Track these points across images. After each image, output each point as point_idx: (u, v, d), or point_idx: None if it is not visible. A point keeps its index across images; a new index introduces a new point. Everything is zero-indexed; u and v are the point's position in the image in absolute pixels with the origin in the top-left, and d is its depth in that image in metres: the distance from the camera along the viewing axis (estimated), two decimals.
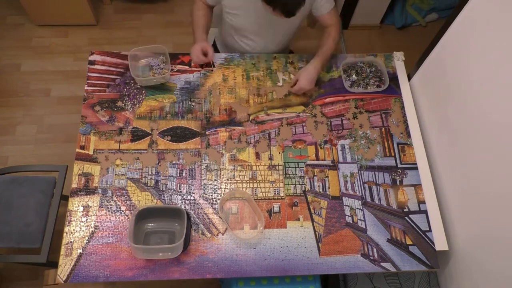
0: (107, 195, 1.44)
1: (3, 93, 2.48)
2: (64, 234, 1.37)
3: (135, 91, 1.64)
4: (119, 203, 1.43)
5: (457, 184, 1.45)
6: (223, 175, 1.51)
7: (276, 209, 1.46)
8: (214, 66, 1.71)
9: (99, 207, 1.42)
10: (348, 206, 1.48)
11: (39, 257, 1.59)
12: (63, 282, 1.30)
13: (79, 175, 1.46)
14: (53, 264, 1.62)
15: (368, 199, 1.49)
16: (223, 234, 1.41)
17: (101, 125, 1.56)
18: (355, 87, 1.70)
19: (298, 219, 1.45)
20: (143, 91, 1.64)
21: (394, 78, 1.74)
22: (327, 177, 1.53)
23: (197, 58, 1.63)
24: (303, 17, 1.65)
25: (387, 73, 1.73)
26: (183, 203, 1.45)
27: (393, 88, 1.72)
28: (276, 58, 1.76)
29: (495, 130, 1.20)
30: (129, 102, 1.61)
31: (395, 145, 1.60)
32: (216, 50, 1.89)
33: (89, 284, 1.41)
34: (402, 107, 1.67)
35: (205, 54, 1.63)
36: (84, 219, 1.39)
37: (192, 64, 1.71)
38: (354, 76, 1.73)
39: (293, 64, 1.75)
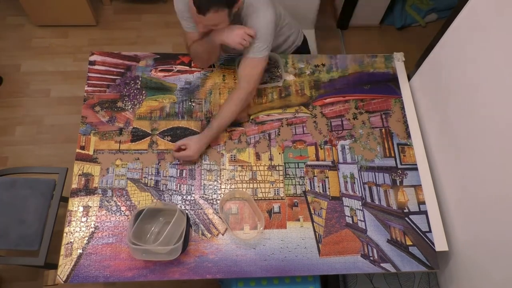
0: (107, 195, 1.44)
1: (3, 93, 2.48)
2: (64, 234, 1.37)
3: (135, 91, 1.64)
4: (119, 204, 1.43)
5: (457, 185, 1.45)
6: (223, 176, 1.51)
7: (276, 209, 1.46)
8: (214, 66, 1.71)
9: (99, 207, 1.42)
10: (348, 206, 1.48)
11: (37, 259, 1.59)
12: (63, 282, 1.30)
13: (79, 175, 1.46)
14: (52, 266, 1.62)
15: (368, 200, 1.49)
16: (223, 234, 1.41)
17: (101, 126, 1.56)
18: None
19: (298, 220, 1.45)
20: (143, 92, 1.64)
21: (394, 79, 1.74)
22: (327, 177, 1.53)
23: (180, 158, 1.48)
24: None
25: (388, 74, 1.73)
26: (183, 203, 1.45)
27: (393, 88, 1.72)
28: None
29: (495, 131, 1.20)
30: (129, 103, 1.61)
31: (395, 145, 1.60)
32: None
33: (89, 284, 1.41)
34: (402, 108, 1.67)
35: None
36: (84, 219, 1.39)
37: (192, 65, 1.71)
38: None
39: (294, 65, 1.75)
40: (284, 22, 1.64)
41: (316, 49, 2.55)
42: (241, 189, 1.49)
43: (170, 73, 1.69)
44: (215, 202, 1.46)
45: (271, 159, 1.55)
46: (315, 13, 2.48)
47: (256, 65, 1.48)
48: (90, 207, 1.42)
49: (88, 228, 1.38)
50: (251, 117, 1.62)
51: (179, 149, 1.48)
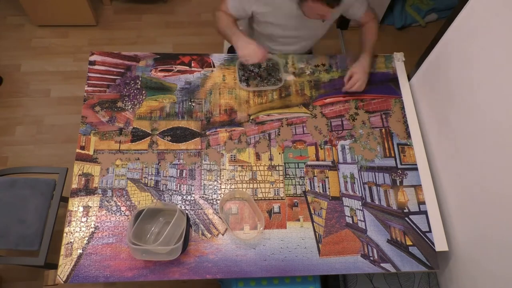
0: (107, 195, 1.44)
1: (3, 93, 2.48)
2: (64, 234, 1.37)
3: (135, 91, 1.64)
4: (119, 204, 1.43)
5: (457, 185, 1.45)
6: (223, 176, 1.51)
7: (276, 209, 1.46)
8: (214, 66, 1.71)
9: (99, 207, 1.42)
10: (348, 206, 1.48)
11: (37, 259, 1.59)
12: (63, 282, 1.30)
13: (79, 175, 1.46)
14: (52, 266, 1.62)
15: (368, 200, 1.49)
16: (223, 234, 1.41)
17: (101, 126, 1.56)
18: (244, 83, 1.68)
19: (298, 220, 1.45)
20: (143, 92, 1.64)
21: (394, 79, 1.74)
22: (327, 177, 1.53)
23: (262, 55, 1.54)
24: (330, 26, 1.70)
25: (388, 74, 1.73)
26: (183, 203, 1.45)
27: (393, 88, 1.72)
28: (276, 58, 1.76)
29: (495, 131, 1.20)
30: (129, 103, 1.61)
31: (395, 145, 1.60)
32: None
33: (89, 284, 1.41)
34: (402, 108, 1.67)
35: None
36: (84, 219, 1.39)
37: (193, 64, 1.71)
38: (248, 72, 1.71)
39: (294, 65, 1.75)
40: None
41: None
42: (241, 189, 1.49)
43: (170, 73, 1.69)
44: (215, 202, 1.46)
45: (271, 159, 1.55)
46: None
47: (370, 8, 1.69)
48: (90, 207, 1.42)
49: (88, 228, 1.38)
50: (251, 117, 1.62)
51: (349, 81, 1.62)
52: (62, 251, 1.34)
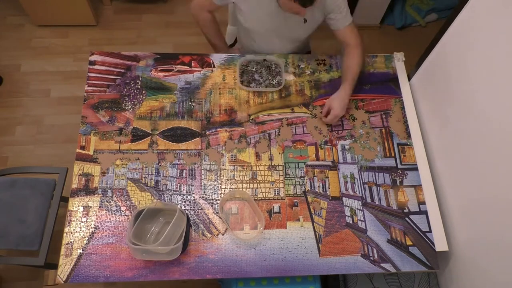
0: (107, 195, 1.44)
1: (3, 93, 2.48)
2: (64, 234, 1.37)
3: (135, 91, 1.64)
4: (119, 204, 1.43)
5: (457, 185, 1.45)
6: (223, 176, 1.51)
7: (276, 209, 1.46)
8: (214, 66, 1.71)
9: (99, 207, 1.42)
10: (348, 206, 1.48)
11: (37, 259, 1.59)
12: (63, 282, 1.30)
13: (79, 175, 1.46)
14: (52, 266, 1.62)
15: (368, 200, 1.49)
16: (223, 234, 1.41)
17: (101, 126, 1.56)
18: (247, 84, 1.68)
19: (298, 220, 1.45)
20: (144, 91, 1.64)
21: (394, 79, 1.74)
22: (327, 177, 1.53)
23: (331, 120, 1.57)
24: (312, 28, 1.65)
25: (388, 74, 1.73)
26: (183, 203, 1.45)
27: (393, 88, 1.72)
28: (276, 58, 1.76)
29: (496, 130, 1.20)
30: (130, 103, 1.61)
31: (395, 145, 1.60)
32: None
33: (89, 284, 1.41)
34: (402, 108, 1.67)
35: None
36: (84, 219, 1.39)
37: (193, 64, 1.71)
38: (248, 74, 1.71)
39: (294, 65, 1.75)
40: None
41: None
42: (241, 189, 1.49)
43: (170, 73, 1.69)
44: (215, 202, 1.46)
45: (271, 159, 1.55)
46: None
47: (353, 27, 1.60)
48: (90, 207, 1.42)
49: (88, 228, 1.38)
50: (251, 117, 1.62)
51: (327, 115, 1.57)
52: (62, 251, 1.34)
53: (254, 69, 1.71)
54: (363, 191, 1.51)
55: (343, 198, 1.49)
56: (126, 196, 1.45)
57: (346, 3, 1.54)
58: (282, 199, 1.48)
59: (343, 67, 1.62)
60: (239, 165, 1.53)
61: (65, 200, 1.74)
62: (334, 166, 1.55)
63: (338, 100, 1.54)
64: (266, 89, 1.67)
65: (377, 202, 1.49)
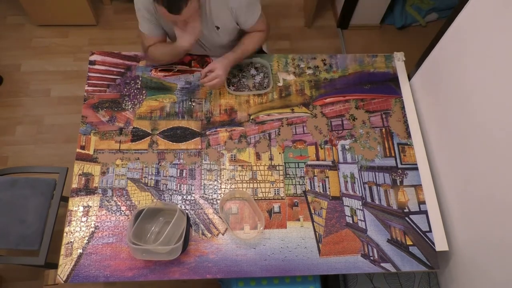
0: (107, 195, 1.44)
1: (3, 93, 2.48)
2: (64, 234, 1.37)
3: (135, 91, 1.64)
4: (119, 203, 1.43)
5: (457, 184, 1.45)
6: (223, 175, 1.51)
7: (276, 209, 1.46)
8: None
9: (99, 207, 1.42)
10: (348, 206, 1.48)
11: (37, 259, 1.59)
12: (63, 282, 1.30)
13: (79, 175, 1.46)
14: (52, 265, 1.62)
15: (368, 200, 1.49)
16: (223, 234, 1.41)
17: (102, 125, 1.56)
18: (233, 87, 1.67)
19: (298, 220, 1.45)
20: (144, 91, 1.64)
21: (394, 78, 1.74)
22: (327, 177, 1.53)
23: (209, 80, 1.52)
24: (229, 34, 1.57)
25: (388, 74, 1.74)
26: (183, 203, 1.45)
27: (394, 88, 1.72)
28: (276, 58, 1.76)
29: (496, 130, 1.20)
30: (130, 102, 1.61)
31: (395, 145, 1.60)
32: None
33: (89, 284, 1.41)
34: (403, 108, 1.67)
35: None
36: (84, 219, 1.39)
37: (193, 64, 1.71)
38: (237, 76, 1.70)
39: (294, 64, 1.75)
40: None
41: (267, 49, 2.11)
42: (241, 189, 1.49)
43: (170, 73, 1.69)
44: (215, 202, 1.46)
45: (271, 159, 1.55)
46: None
47: (262, 19, 1.57)
48: (90, 206, 1.42)
49: (88, 228, 1.38)
50: (251, 117, 1.62)
51: (205, 77, 1.53)
52: (62, 251, 1.34)
53: (241, 72, 1.71)
54: (363, 191, 1.51)
55: (343, 198, 1.49)
56: (126, 196, 1.45)
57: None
58: (282, 199, 1.48)
59: (240, 40, 1.61)
60: (239, 165, 1.53)
61: (65, 200, 1.74)
62: (334, 166, 1.55)
63: (221, 62, 1.52)
64: (254, 92, 1.66)
65: (377, 202, 1.49)
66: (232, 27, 1.54)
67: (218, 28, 1.52)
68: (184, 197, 1.46)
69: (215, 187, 1.49)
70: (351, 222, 1.45)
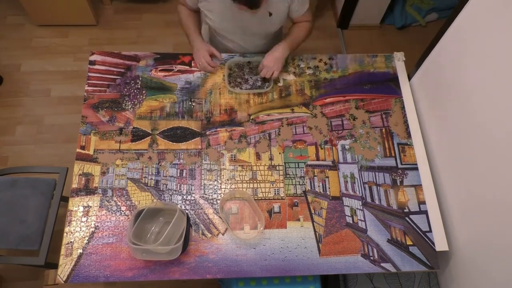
0: (107, 195, 1.44)
1: (3, 93, 2.48)
2: (64, 234, 1.37)
3: (135, 91, 1.64)
4: (119, 203, 1.43)
5: (457, 184, 1.45)
6: (223, 175, 1.51)
7: (276, 209, 1.46)
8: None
9: (99, 207, 1.42)
10: (348, 206, 1.48)
11: (37, 259, 1.59)
12: (63, 282, 1.30)
13: (79, 175, 1.46)
14: (52, 265, 1.62)
15: (368, 200, 1.49)
16: (223, 234, 1.41)
17: (102, 125, 1.56)
18: (233, 85, 1.67)
19: (298, 220, 1.45)
20: (144, 91, 1.64)
21: (394, 78, 1.74)
22: (327, 177, 1.53)
23: (206, 63, 1.63)
24: (280, 20, 1.60)
25: (388, 74, 1.74)
26: (183, 203, 1.45)
27: (394, 88, 1.72)
28: None
29: (496, 130, 1.20)
30: (130, 102, 1.61)
31: (395, 145, 1.60)
32: None
33: (89, 284, 1.41)
34: (403, 108, 1.67)
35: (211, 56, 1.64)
36: (84, 219, 1.39)
37: (193, 64, 1.71)
38: (236, 74, 1.70)
39: (294, 64, 1.75)
40: None
41: None
42: (241, 189, 1.49)
43: (170, 73, 1.69)
44: (215, 202, 1.46)
45: (271, 159, 1.55)
46: None
47: (309, 12, 1.63)
48: (90, 207, 1.42)
49: (88, 228, 1.38)
50: (251, 117, 1.62)
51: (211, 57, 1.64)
52: (62, 251, 1.34)
53: (242, 71, 1.71)
54: (363, 191, 1.51)
55: (343, 198, 1.49)
56: (126, 196, 1.45)
57: None
58: (282, 199, 1.48)
59: (290, 30, 1.68)
60: (239, 165, 1.53)
61: (65, 200, 1.74)
62: (334, 166, 1.55)
63: (269, 53, 1.59)
64: (254, 91, 1.66)
65: (377, 202, 1.49)
66: (285, 14, 1.59)
67: (271, 14, 1.53)
68: (184, 197, 1.46)
69: (215, 187, 1.49)
70: (351, 222, 1.45)
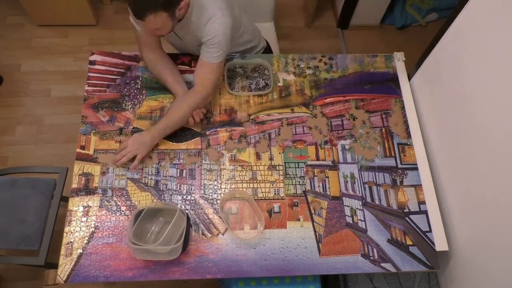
0: (107, 195, 1.44)
1: (3, 93, 2.48)
2: (64, 234, 1.37)
3: (135, 91, 1.64)
4: (119, 203, 1.43)
5: (457, 184, 1.45)
6: (223, 175, 1.51)
7: (276, 209, 1.46)
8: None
9: (99, 207, 1.42)
10: (348, 206, 1.48)
11: (37, 259, 1.59)
12: (63, 282, 1.30)
13: (79, 175, 1.46)
14: (52, 265, 1.62)
15: (368, 200, 1.49)
16: (223, 234, 1.41)
17: (102, 125, 1.56)
18: (235, 88, 1.67)
19: (298, 220, 1.45)
20: (144, 91, 1.64)
21: (394, 78, 1.74)
22: (327, 177, 1.53)
23: (125, 161, 1.44)
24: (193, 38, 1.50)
25: (388, 74, 1.74)
26: (183, 203, 1.45)
27: (394, 88, 1.72)
28: (276, 58, 1.76)
29: (496, 131, 1.20)
30: (130, 102, 1.61)
31: (395, 145, 1.60)
32: None
33: (89, 284, 1.41)
34: (403, 108, 1.67)
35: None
36: (84, 219, 1.39)
37: (193, 64, 1.71)
38: (237, 77, 1.70)
39: (294, 64, 1.75)
40: (241, 27, 1.64)
41: (278, 45, 2.19)
42: (241, 189, 1.49)
43: None
44: (215, 202, 1.46)
45: (271, 159, 1.55)
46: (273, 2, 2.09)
47: (212, 70, 1.46)
48: (90, 207, 1.42)
49: (88, 228, 1.38)
50: (251, 117, 1.62)
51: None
52: (62, 251, 1.34)
53: (242, 72, 1.71)
54: (363, 191, 1.51)
55: (343, 198, 1.49)
56: (126, 196, 1.45)
57: (223, 43, 1.40)
58: (282, 199, 1.48)
59: (171, 104, 1.53)
60: (239, 165, 1.53)
61: (65, 199, 1.74)
62: (334, 166, 1.55)
63: (138, 137, 1.44)
64: (255, 93, 1.66)
65: (377, 202, 1.49)
66: (195, 35, 1.47)
67: (181, 39, 1.52)
68: (184, 197, 1.46)
69: (215, 187, 1.49)
70: (351, 222, 1.45)
